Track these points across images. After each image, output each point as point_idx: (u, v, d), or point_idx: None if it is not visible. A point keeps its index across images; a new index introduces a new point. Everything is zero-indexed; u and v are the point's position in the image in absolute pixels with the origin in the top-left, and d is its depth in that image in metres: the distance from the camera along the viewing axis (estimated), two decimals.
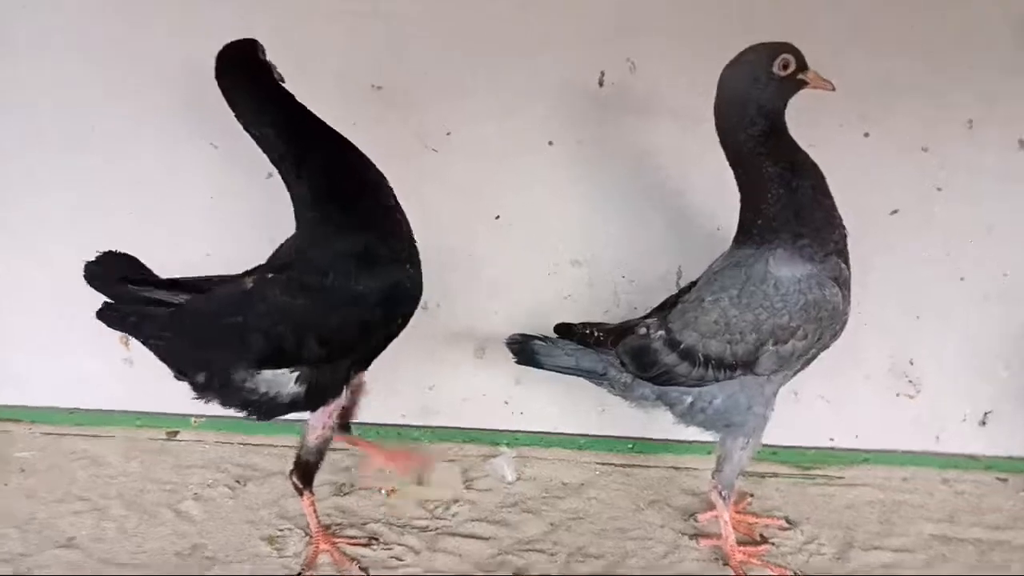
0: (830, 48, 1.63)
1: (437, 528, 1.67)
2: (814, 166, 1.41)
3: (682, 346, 1.46)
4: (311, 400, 1.51)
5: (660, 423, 1.75)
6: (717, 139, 1.43)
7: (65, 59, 1.88)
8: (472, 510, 1.74)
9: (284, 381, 1.48)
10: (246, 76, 1.45)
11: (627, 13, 1.76)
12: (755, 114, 1.36)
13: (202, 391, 1.56)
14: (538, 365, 1.63)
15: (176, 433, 2.08)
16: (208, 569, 1.51)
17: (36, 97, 1.92)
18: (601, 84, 1.81)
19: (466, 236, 1.92)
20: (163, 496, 1.78)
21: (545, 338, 1.62)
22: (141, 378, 2.06)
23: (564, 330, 1.63)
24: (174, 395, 2.03)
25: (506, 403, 2.02)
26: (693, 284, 1.56)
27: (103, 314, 1.55)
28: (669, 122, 1.80)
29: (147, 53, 1.84)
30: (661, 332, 1.49)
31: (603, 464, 1.95)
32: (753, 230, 1.42)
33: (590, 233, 1.90)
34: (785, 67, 1.34)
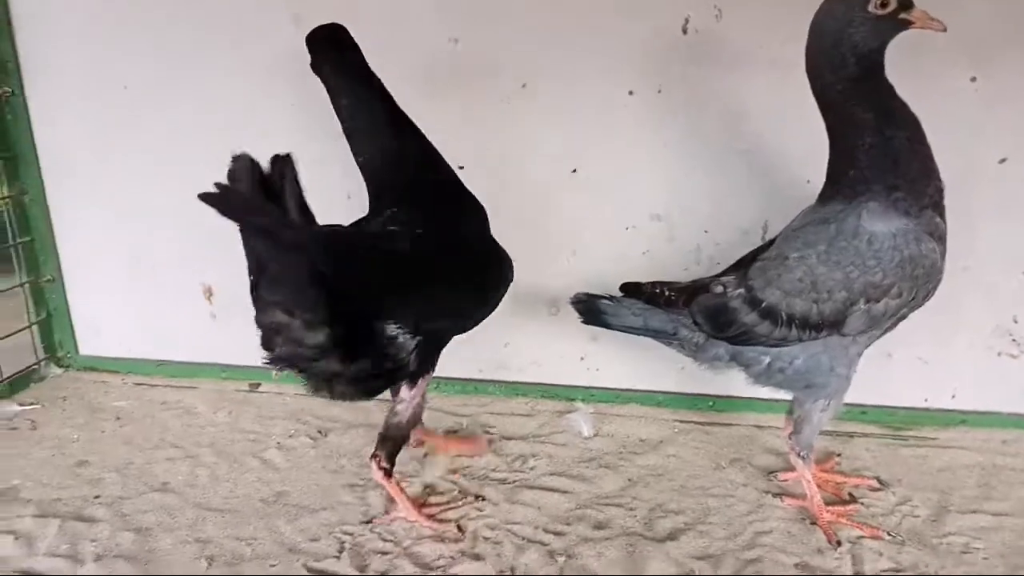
0: None
1: (515, 481, 1.67)
2: (911, 114, 1.32)
3: (763, 305, 1.39)
4: (420, 367, 1.45)
5: (740, 381, 1.71)
6: (808, 87, 1.36)
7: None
8: (549, 464, 1.73)
9: (408, 346, 1.38)
10: (335, 53, 1.48)
11: None
12: (847, 56, 1.28)
13: (331, 347, 1.28)
14: (605, 325, 1.59)
15: (258, 385, 2.16)
16: (295, 516, 1.54)
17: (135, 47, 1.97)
18: (685, 31, 1.74)
19: (542, 191, 1.90)
20: (249, 445, 1.83)
21: (611, 297, 1.58)
22: (225, 332, 2.15)
23: (632, 289, 1.57)
24: (256, 348, 2.12)
25: (582, 359, 2.01)
26: (771, 242, 1.49)
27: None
28: (757, 70, 1.73)
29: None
30: (740, 290, 1.43)
31: (682, 422, 1.92)
32: (843, 183, 1.35)
33: (671, 186, 1.85)
34: (883, 5, 1.25)
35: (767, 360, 1.46)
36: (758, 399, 1.86)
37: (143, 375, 2.21)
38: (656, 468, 1.72)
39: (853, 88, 1.29)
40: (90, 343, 2.26)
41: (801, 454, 1.49)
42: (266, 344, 1.30)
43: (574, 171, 1.87)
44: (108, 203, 2.11)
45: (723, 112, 1.78)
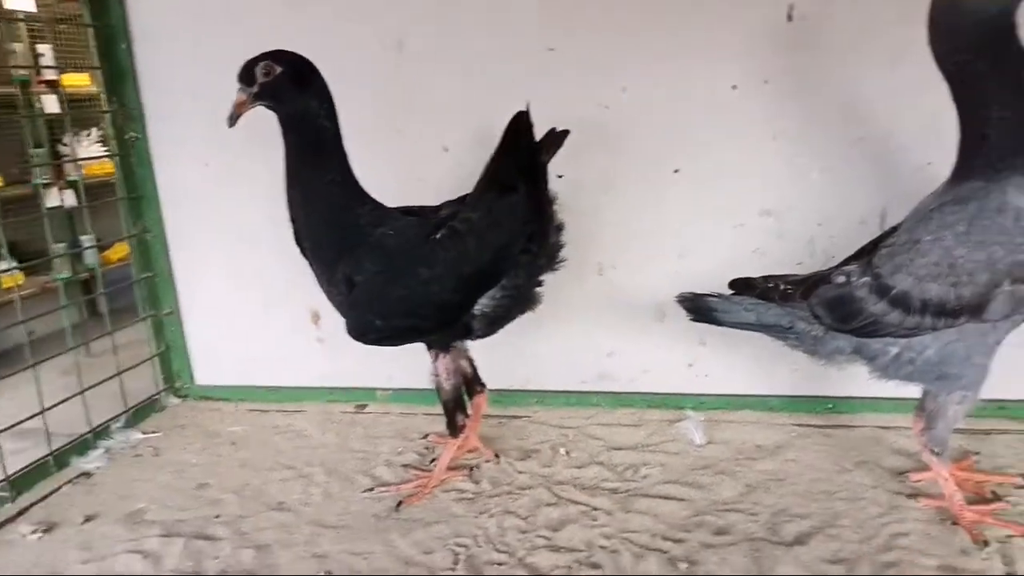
0: None
1: (628, 490, 1.62)
2: None
3: (894, 292, 1.31)
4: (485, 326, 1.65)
5: (859, 380, 1.63)
6: (921, 70, 1.29)
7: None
8: (663, 472, 1.68)
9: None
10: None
11: None
12: (966, 22, 1.20)
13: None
14: (715, 322, 1.53)
15: (364, 406, 2.19)
16: (409, 531, 1.54)
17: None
18: (790, 18, 1.70)
19: (643, 194, 1.87)
20: (358, 463, 1.85)
21: (720, 295, 1.52)
22: (331, 355, 2.20)
23: (743, 285, 1.51)
24: (361, 370, 2.17)
25: (690, 366, 1.95)
26: (893, 229, 1.41)
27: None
28: (867, 54, 1.67)
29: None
30: (866, 279, 1.35)
31: (800, 425, 1.83)
32: (978, 160, 1.26)
33: (779, 180, 1.79)
34: None
35: (895, 351, 1.37)
36: (882, 398, 1.76)
37: (255, 401, 2.28)
38: (776, 473, 1.64)
39: (975, 58, 1.22)
40: (205, 373, 2.35)
41: (936, 451, 1.39)
42: None
43: (676, 171, 1.84)
44: (221, 238, 2.21)
45: (833, 100, 1.73)
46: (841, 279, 1.39)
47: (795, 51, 1.71)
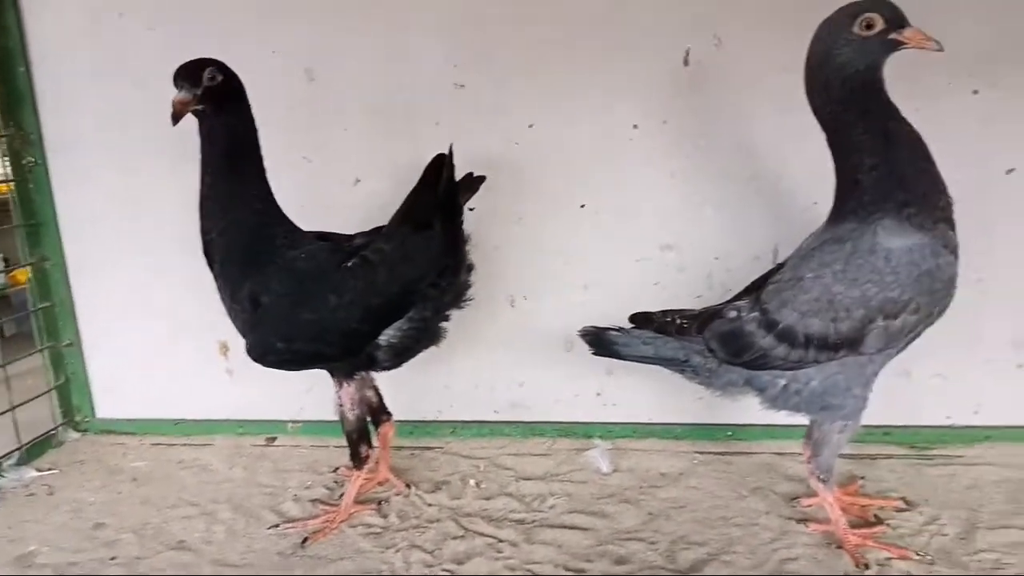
0: (937, 5, 1.56)
1: (534, 521, 1.64)
2: (911, 131, 1.31)
3: (780, 327, 1.38)
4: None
5: (757, 409, 1.70)
6: (807, 116, 1.37)
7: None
8: (569, 502, 1.71)
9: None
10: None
11: None
12: (833, 79, 1.29)
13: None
14: (616, 356, 1.58)
15: (274, 439, 2.15)
16: (313, 568, 1.52)
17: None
18: (687, 63, 1.77)
19: (551, 228, 1.91)
20: (265, 499, 1.82)
21: (620, 329, 1.57)
22: (241, 387, 2.15)
23: (642, 319, 1.56)
24: (272, 402, 2.14)
25: (598, 395, 1.99)
26: (781, 265, 1.49)
27: None
28: (759, 97, 1.75)
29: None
30: (755, 314, 1.41)
31: (701, 453, 1.89)
32: (852, 202, 1.34)
33: (679, 216, 1.86)
34: (869, 27, 1.25)
35: (782, 383, 1.44)
36: (777, 425, 1.82)
37: (160, 435, 2.21)
38: (677, 500, 1.69)
39: (845, 110, 1.30)
40: (107, 406, 2.27)
41: (822, 478, 1.46)
42: None
43: (582, 206, 1.89)
44: (124, 267, 2.15)
45: (727, 141, 1.81)
46: (732, 314, 1.45)
47: (691, 94, 1.78)
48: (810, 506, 1.61)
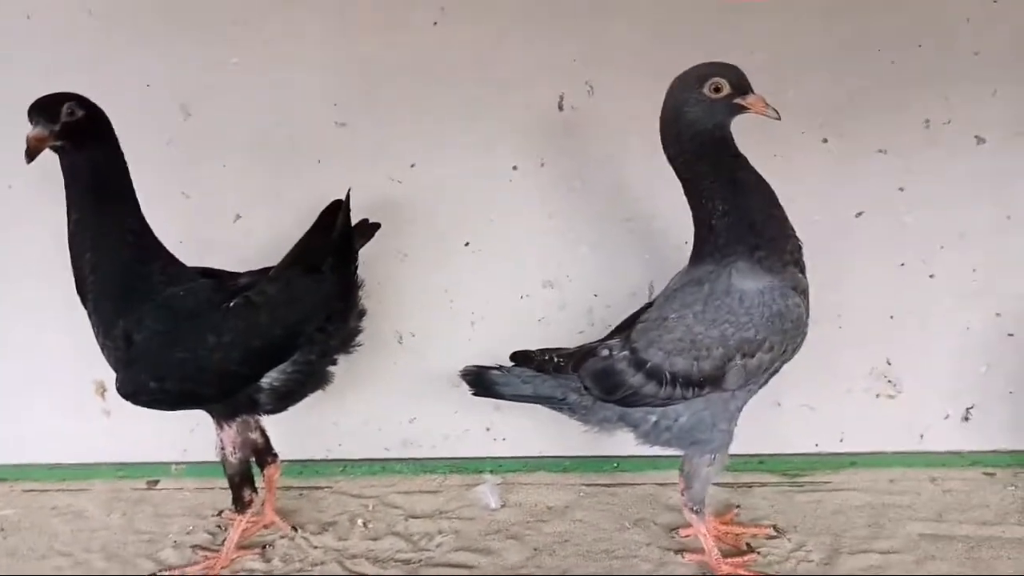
0: (790, 62, 1.70)
1: (420, 560, 1.64)
2: (759, 180, 1.40)
3: (648, 365, 1.43)
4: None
5: None
6: None
7: None
8: (456, 539, 1.72)
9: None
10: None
11: (585, 39, 1.79)
12: (684, 133, 1.37)
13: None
14: (497, 395, 1.61)
15: (156, 482, 2.07)
16: None
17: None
18: (560, 108, 1.83)
19: (436, 266, 1.92)
20: (143, 547, 1.75)
21: (501, 367, 1.60)
22: (120, 429, 2.06)
23: (522, 358, 1.60)
24: (154, 444, 2.06)
25: (488, 430, 2.01)
26: (650, 304, 1.55)
27: None
28: (631, 141, 1.81)
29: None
30: (625, 353, 1.47)
31: (588, 485, 1.93)
32: (708, 246, 1.42)
33: (560, 254, 1.91)
34: (717, 90, 1.34)
35: (653, 419, 1.50)
36: (660, 457, 1.88)
37: (33, 480, 2.09)
38: (563, 534, 1.72)
39: (697, 160, 1.38)
40: None
41: (695, 509, 1.52)
42: None
43: (467, 244, 1.91)
44: None
45: (601, 182, 1.87)
46: (605, 352, 1.50)
47: (567, 137, 1.84)
48: (687, 536, 1.67)
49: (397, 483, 1.99)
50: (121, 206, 1.51)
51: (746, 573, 1.52)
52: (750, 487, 1.87)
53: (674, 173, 1.43)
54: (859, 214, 1.82)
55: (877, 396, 1.89)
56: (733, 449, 1.90)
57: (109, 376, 2.00)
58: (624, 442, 1.91)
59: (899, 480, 1.84)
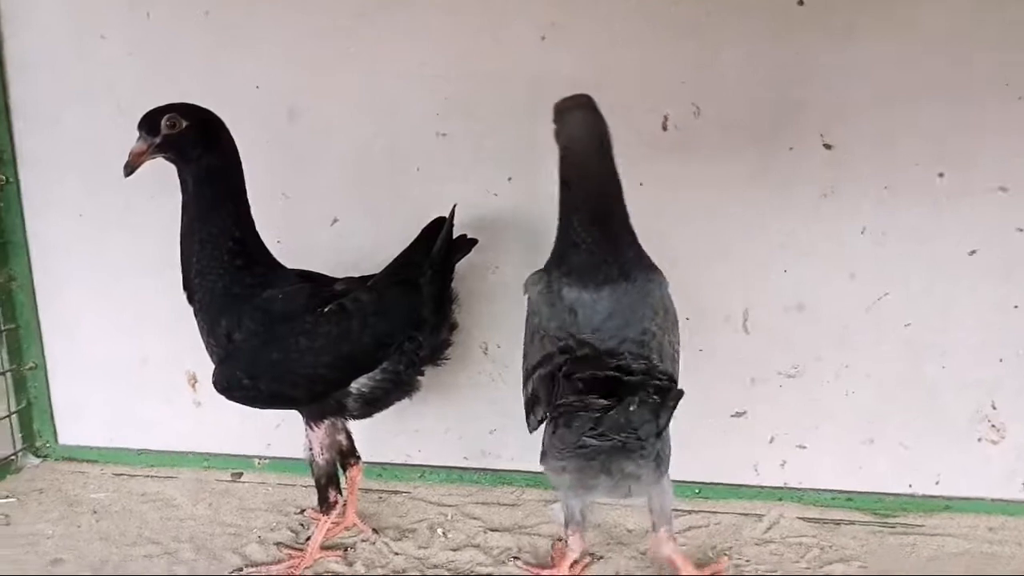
0: (909, 91, 1.65)
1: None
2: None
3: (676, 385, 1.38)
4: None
5: (726, 467, 1.76)
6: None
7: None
8: (535, 557, 1.71)
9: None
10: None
11: (692, 60, 1.77)
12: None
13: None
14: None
15: (240, 475, 2.12)
16: None
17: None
18: (664, 128, 1.80)
19: (525, 278, 1.90)
20: (229, 540, 1.79)
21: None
22: (208, 420, 2.12)
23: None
24: (239, 436, 2.11)
25: None
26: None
27: None
28: (735, 164, 1.79)
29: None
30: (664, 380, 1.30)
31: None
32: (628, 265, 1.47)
33: None
34: None
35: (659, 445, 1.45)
36: (743, 486, 1.90)
37: (123, 464, 2.17)
38: (648, 560, 1.69)
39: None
40: (70, 432, 2.22)
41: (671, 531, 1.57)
42: None
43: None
44: (94, 291, 2.11)
45: (701, 204, 1.84)
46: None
47: (669, 157, 1.82)
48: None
49: (475, 493, 2.00)
50: (226, 213, 1.54)
51: None
52: (838, 524, 1.81)
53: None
54: (972, 252, 1.75)
55: (979, 440, 1.81)
56: (820, 484, 1.88)
57: (202, 368, 2.08)
58: (707, 468, 1.91)
59: (999, 529, 1.76)
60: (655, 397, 1.26)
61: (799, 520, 1.81)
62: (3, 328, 2.14)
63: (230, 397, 1.56)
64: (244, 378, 1.54)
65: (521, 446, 2.01)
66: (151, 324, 2.09)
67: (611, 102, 1.76)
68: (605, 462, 1.41)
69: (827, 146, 1.74)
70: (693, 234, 1.84)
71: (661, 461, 1.46)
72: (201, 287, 1.57)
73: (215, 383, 1.55)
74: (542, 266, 1.54)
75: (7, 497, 2.00)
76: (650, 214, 1.80)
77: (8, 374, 2.16)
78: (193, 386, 2.11)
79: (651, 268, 1.51)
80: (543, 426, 1.46)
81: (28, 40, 2.01)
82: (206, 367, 2.04)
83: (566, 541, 1.58)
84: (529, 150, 1.84)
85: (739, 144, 1.77)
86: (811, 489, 1.89)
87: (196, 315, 1.60)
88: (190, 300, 1.60)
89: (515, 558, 1.68)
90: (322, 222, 1.96)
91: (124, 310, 2.11)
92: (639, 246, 1.51)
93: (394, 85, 1.87)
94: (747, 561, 1.68)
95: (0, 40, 2.01)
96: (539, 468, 1.98)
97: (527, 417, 1.46)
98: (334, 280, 1.65)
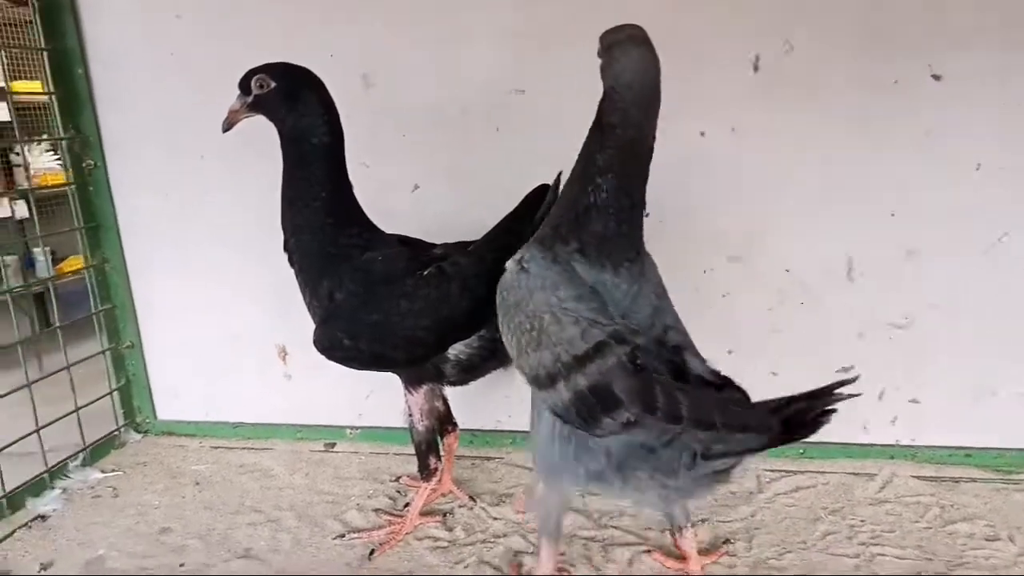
0: None
1: (604, 538, 1.61)
2: None
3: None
4: None
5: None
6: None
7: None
8: (635, 519, 1.67)
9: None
10: None
11: None
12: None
13: None
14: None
15: (333, 445, 2.14)
16: None
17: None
18: (756, 69, 1.71)
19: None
20: (328, 508, 1.81)
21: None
22: (300, 392, 2.15)
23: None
24: (331, 407, 2.13)
25: None
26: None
27: None
28: (833, 105, 1.69)
29: None
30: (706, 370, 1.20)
31: (771, 471, 1.83)
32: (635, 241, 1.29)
33: (750, 225, 1.80)
34: None
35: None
36: (852, 444, 1.82)
37: (220, 438, 2.23)
38: (752, 522, 1.64)
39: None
40: (168, 408, 2.28)
41: None
42: None
43: (647, 215, 1.83)
44: (184, 270, 2.15)
45: (798, 149, 1.74)
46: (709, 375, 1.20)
47: (761, 101, 1.73)
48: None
49: None
50: (314, 172, 1.54)
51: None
52: (956, 482, 1.73)
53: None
54: None
55: None
56: (935, 440, 1.79)
57: (292, 341, 2.11)
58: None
59: None
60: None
61: (914, 479, 1.74)
62: (100, 309, 2.20)
63: (331, 357, 1.57)
64: (345, 338, 1.54)
65: None
66: (240, 301, 2.12)
67: (695, 44, 1.71)
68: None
69: (935, 77, 1.63)
70: (790, 180, 1.75)
71: None
72: (298, 247, 1.58)
73: (316, 342, 1.56)
74: None
75: (114, 470, 2.06)
76: (743, 161, 1.76)
77: (107, 353, 2.23)
78: (284, 359, 2.13)
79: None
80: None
81: (107, 27, 2.05)
82: (295, 341, 2.10)
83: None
84: None
85: (836, 81, 1.67)
86: (925, 446, 1.81)
87: (296, 276, 1.61)
88: (290, 262, 1.61)
89: (647, 551, 1.55)
90: (403, 189, 1.94)
91: (213, 288, 2.14)
92: None
93: (468, 45, 1.83)
94: (862, 521, 1.61)
95: (80, 31, 2.04)
96: None
97: (581, 419, 1.20)
98: (433, 245, 1.64)
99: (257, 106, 1.53)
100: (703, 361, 1.24)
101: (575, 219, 1.24)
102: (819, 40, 1.66)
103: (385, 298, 1.52)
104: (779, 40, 1.68)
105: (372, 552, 1.61)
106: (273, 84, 1.50)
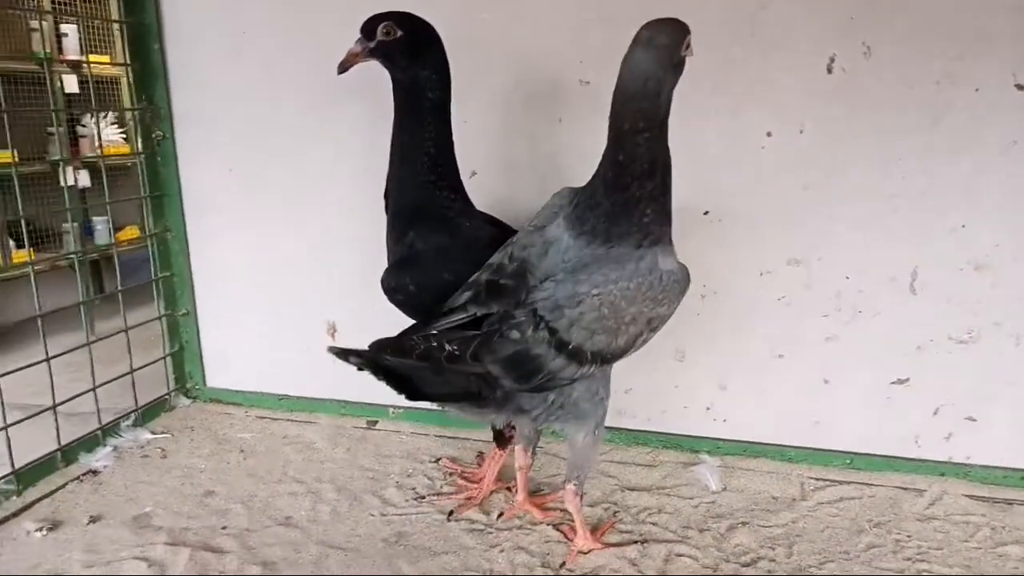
0: None
1: (642, 533, 1.60)
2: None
3: (571, 347, 1.34)
4: None
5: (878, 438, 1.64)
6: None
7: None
8: (675, 518, 1.65)
9: None
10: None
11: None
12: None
13: None
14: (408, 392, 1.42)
15: (375, 423, 2.17)
16: (416, 559, 1.52)
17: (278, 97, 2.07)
18: (830, 71, 1.68)
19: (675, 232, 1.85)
20: (368, 483, 1.83)
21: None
22: (345, 368, 2.14)
23: (393, 348, 1.37)
24: (374, 386, 2.14)
25: (708, 409, 1.92)
26: (518, 275, 1.40)
27: None
28: (908, 110, 1.65)
29: None
30: (543, 334, 1.33)
31: (815, 479, 1.81)
32: (625, 227, 1.35)
33: (811, 230, 1.77)
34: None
35: (552, 398, 1.43)
36: (899, 458, 1.77)
37: (266, 408, 2.27)
38: (793, 528, 1.61)
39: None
40: (217, 376, 2.34)
41: (579, 488, 1.53)
42: None
43: (706, 213, 1.82)
44: (242, 242, 2.20)
45: (869, 153, 1.70)
46: (515, 335, 1.34)
47: (834, 103, 1.70)
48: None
49: (609, 452, 1.96)
50: (425, 127, 1.56)
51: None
52: (1010, 504, 1.67)
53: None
54: None
55: None
56: (991, 460, 1.73)
57: (340, 317, 2.14)
58: (860, 437, 1.79)
59: None
60: None
61: (965, 497, 1.69)
62: (159, 276, 2.26)
63: (392, 299, 1.58)
64: (411, 284, 1.56)
65: (659, 408, 1.97)
66: (293, 277, 2.16)
67: (770, 43, 1.69)
68: None
69: (1020, 86, 1.58)
70: (857, 185, 1.72)
71: None
72: (397, 194, 1.60)
73: (383, 281, 1.58)
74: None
75: (163, 433, 2.12)
76: (809, 163, 1.72)
77: (163, 319, 2.29)
78: (332, 335, 2.16)
79: None
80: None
81: (183, 5, 2.10)
82: (344, 318, 2.13)
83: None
84: (676, 95, 1.75)
85: (915, 86, 1.63)
86: (980, 465, 1.75)
87: (389, 222, 1.63)
88: (386, 208, 1.64)
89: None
90: (461, 175, 1.95)
91: (268, 261, 2.18)
92: None
93: (535, 33, 1.83)
94: (908, 537, 1.57)
95: (158, 8, 2.10)
96: (674, 430, 1.96)
97: None
98: (515, 231, 1.64)
99: (378, 52, 1.53)
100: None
101: (591, 194, 1.41)
102: (898, 44, 1.63)
103: (462, 261, 1.53)
104: (857, 42, 1.64)
105: (451, 513, 1.68)
106: (400, 33, 1.51)
